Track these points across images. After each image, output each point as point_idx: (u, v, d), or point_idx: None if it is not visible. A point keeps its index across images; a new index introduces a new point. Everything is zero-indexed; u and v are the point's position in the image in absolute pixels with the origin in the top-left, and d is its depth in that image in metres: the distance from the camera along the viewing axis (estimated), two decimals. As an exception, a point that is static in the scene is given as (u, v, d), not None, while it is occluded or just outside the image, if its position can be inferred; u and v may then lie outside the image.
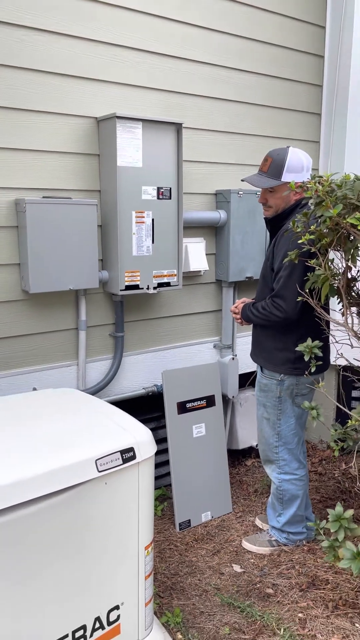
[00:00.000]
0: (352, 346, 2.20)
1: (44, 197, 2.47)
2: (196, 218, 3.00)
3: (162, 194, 2.73)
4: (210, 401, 3.04)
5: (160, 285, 2.81)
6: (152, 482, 1.75)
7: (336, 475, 3.38)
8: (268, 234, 3.10)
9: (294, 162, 2.31)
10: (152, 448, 1.73)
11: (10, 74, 2.36)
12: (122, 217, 2.61)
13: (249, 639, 2.10)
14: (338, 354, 2.27)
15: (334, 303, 2.48)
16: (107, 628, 1.68)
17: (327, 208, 1.82)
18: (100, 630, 1.66)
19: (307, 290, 2.20)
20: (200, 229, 3.10)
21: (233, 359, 3.27)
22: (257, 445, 3.50)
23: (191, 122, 2.95)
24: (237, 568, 2.54)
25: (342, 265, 2.12)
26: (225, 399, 3.31)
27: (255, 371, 3.33)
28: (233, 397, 3.32)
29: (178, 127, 2.72)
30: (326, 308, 2.38)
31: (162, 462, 3.10)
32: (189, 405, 2.95)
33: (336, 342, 2.24)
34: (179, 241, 2.83)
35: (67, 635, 1.58)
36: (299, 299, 2.23)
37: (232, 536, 2.79)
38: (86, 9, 2.51)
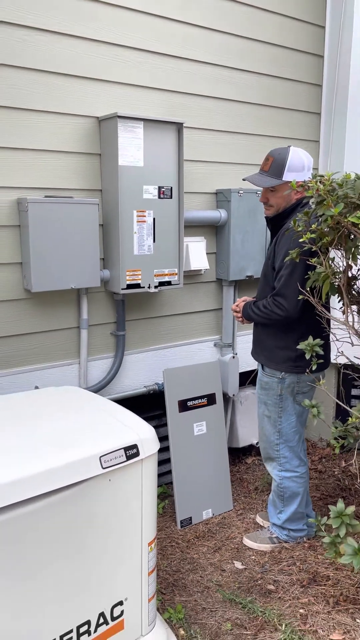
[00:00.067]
0: (352, 344, 2.22)
1: (45, 197, 2.48)
2: (197, 217, 3.02)
3: (163, 193, 2.75)
4: (211, 399, 3.06)
5: (161, 284, 2.82)
6: (155, 478, 1.77)
7: (336, 473, 3.40)
8: (268, 233, 3.12)
9: (295, 161, 2.33)
10: (155, 445, 1.74)
11: (13, 73, 2.37)
12: (124, 217, 2.62)
13: (251, 634, 2.11)
14: (339, 352, 2.28)
15: (335, 301, 2.49)
16: (111, 623, 1.70)
17: (328, 207, 1.83)
18: (105, 625, 1.68)
19: (308, 289, 2.21)
20: (201, 228, 3.11)
21: (233, 357, 3.28)
22: (257, 444, 3.52)
23: (192, 121, 2.96)
24: (238, 565, 2.56)
25: (343, 264, 2.14)
26: (226, 398, 3.32)
27: (255, 370, 3.35)
28: (233, 395, 3.34)
29: (179, 127, 2.73)
30: (327, 306, 2.39)
31: (163, 460, 3.11)
32: (190, 403, 2.97)
33: (337, 340, 2.25)
34: (180, 240, 2.84)
35: (71, 631, 1.60)
36: (300, 297, 2.24)
37: (233, 533, 2.81)
38: (88, 9, 2.52)
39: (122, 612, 1.72)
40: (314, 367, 2.21)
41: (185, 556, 2.62)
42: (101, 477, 1.59)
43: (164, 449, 2.91)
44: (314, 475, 3.38)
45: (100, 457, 1.58)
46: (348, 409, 2.09)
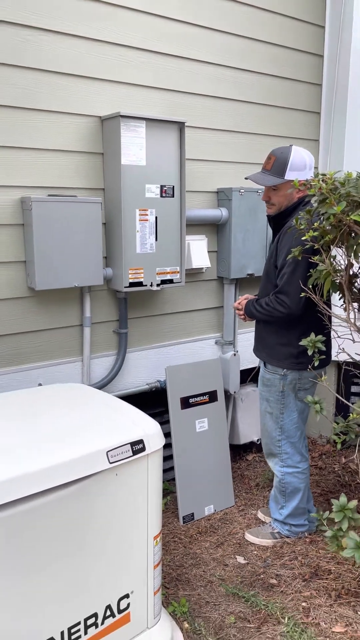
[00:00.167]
0: (354, 341, 2.25)
1: (49, 196, 2.50)
2: (198, 216, 3.04)
3: (165, 192, 2.77)
4: (212, 396, 3.08)
5: (163, 282, 2.85)
6: (160, 474, 1.79)
7: (336, 469, 3.43)
8: (269, 231, 3.16)
9: (297, 160, 2.35)
10: (161, 440, 1.77)
11: (16, 73, 2.38)
12: (126, 215, 2.65)
13: (254, 627, 2.14)
14: (340, 349, 2.31)
15: (335, 299, 2.52)
16: (118, 616, 1.72)
17: (331, 205, 1.86)
18: (111, 618, 1.70)
19: (310, 286, 2.24)
20: (202, 226, 3.14)
21: (234, 355, 3.31)
22: (258, 440, 3.55)
23: (193, 121, 2.98)
24: (240, 559, 2.58)
25: (344, 262, 2.17)
26: (227, 395, 3.35)
27: (256, 367, 3.38)
28: (234, 392, 3.36)
29: (181, 126, 2.75)
30: (328, 304, 2.42)
31: (165, 457, 3.11)
32: (192, 400, 2.99)
33: (338, 337, 2.28)
34: (182, 239, 2.86)
35: (79, 623, 1.62)
36: (302, 294, 2.27)
37: (235, 529, 2.84)
38: (90, 9, 2.54)
39: (128, 605, 1.75)
40: (316, 364, 2.23)
41: (188, 551, 2.64)
42: (108, 472, 1.61)
43: (166, 446, 2.91)
44: (314, 471, 3.41)
45: (107, 452, 1.61)
46: (350, 405, 2.12)
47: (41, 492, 1.46)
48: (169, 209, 2.79)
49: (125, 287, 2.71)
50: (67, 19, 2.47)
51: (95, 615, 1.66)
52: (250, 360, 3.44)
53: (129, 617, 1.76)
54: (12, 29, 2.34)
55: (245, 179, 2.52)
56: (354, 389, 3.71)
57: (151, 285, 2.80)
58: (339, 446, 2.15)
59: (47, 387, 2.13)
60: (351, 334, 2.24)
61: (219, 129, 3.12)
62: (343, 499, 1.94)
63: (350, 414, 2.13)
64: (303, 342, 2.19)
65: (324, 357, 2.35)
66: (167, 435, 2.98)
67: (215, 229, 3.21)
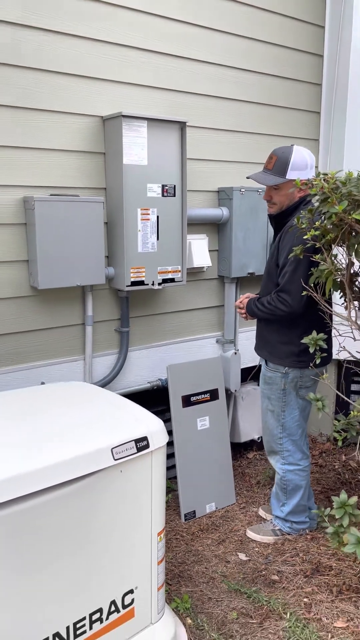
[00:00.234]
0: (354, 339, 2.26)
1: (51, 195, 2.51)
2: (199, 215, 3.06)
3: (167, 191, 2.79)
4: (213, 395, 3.10)
5: (164, 281, 2.86)
6: (164, 470, 1.81)
7: (336, 467, 3.45)
8: (270, 230, 3.17)
9: (298, 160, 2.37)
10: (164, 438, 1.79)
11: (17, 73, 2.40)
12: (128, 215, 2.66)
13: (257, 623, 2.16)
14: (340, 347, 2.33)
15: (336, 297, 2.54)
16: (122, 611, 1.74)
17: (332, 204, 1.88)
18: (116, 613, 1.72)
19: (312, 285, 2.26)
20: (203, 225, 3.16)
21: (235, 353, 3.33)
22: (258, 438, 3.57)
23: (194, 120, 3.00)
24: (242, 556, 2.60)
25: (345, 261, 2.19)
26: (228, 393, 3.36)
27: (256, 365, 3.40)
28: (235, 391, 3.38)
29: (182, 126, 2.77)
30: (329, 302, 2.44)
31: (166, 455, 3.15)
32: (193, 398, 3.01)
33: (339, 334, 2.30)
34: (183, 238, 2.88)
35: (84, 618, 1.64)
36: (304, 293, 2.29)
37: (237, 526, 2.86)
38: (90, 9, 2.55)
39: (132, 600, 1.77)
40: (317, 361, 2.25)
41: (190, 548, 2.66)
42: (113, 469, 1.63)
43: (167, 444, 2.94)
44: (315, 469, 3.43)
45: (112, 449, 1.62)
46: (352, 402, 2.14)
47: (48, 489, 1.47)
48: (170, 208, 2.81)
49: (127, 286, 2.73)
50: (67, 19, 2.49)
51: (100, 610, 1.68)
52: (250, 358, 3.45)
53: (133, 613, 1.78)
54: (13, 29, 2.36)
55: (247, 178, 2.53)
56: (353, 387, 3.73)
57: (152, 284, 2.81)
58: (340, 443, 2.17)
59: (51, 385, 2.14)
60: (352, 332, 2.26)
61: (220, 129, 3.14)
62: (343, 495, 1.96)
63: (351, 412, 2.15)
64: (305, 340, 2.20)
65: (325, 355, 2.37)
66: (168, 433, 2.99)
67: (216, 228, 3.23)
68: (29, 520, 1.45)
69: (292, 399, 2.55)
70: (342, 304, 2.32)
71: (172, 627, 1.92)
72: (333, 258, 2.16)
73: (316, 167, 3.63)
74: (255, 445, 3.67)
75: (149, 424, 1.77)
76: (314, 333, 2.20)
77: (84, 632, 1.64)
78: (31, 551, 1.47)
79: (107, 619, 1.70)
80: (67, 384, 2.14)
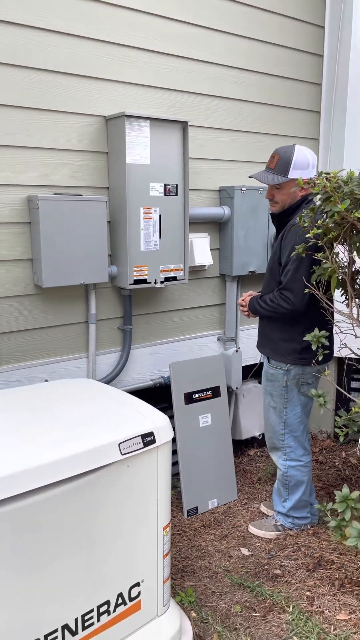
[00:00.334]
0: (356, 336, 2.29)
1: (55, 194, 2.54)
2: (201, 214, 3.08)
3: (169, 190, 2.81)
4: (215, 392, 3.13)
5: (167, 279, 2.89)
6: (169, 465, 1.84)
7: (337, 463, 3.48)
8: (271, 229, 3.20)
9: (300, 159, 2.40)
10: (170, 433, 1.81)
11: (21, 73, 2.42)
12: (131, 214, 2.69)
13: (260, 616, 2.19)
14: (342, 344, 2.36)
15: (337, 295, 2.57)
16: (129, 604, 1.77)
17: (335, 203, 1.91)
18: (123, 605, 1.75)
19: (314, 283, 2.29)
20: (205, 224, 3.18)
21: (237, 351, 3.36)
22: (259, 435, 3.60)
23: (196, 120, 3.02)
24: (244, 551, 2.63)
25: (347, 259, 2.21)
26: (229, 390, 3.39)
27: (257, 363, 3.43)
28: (236, 388, 3.41)
29: (184, 126, 2.79)
30: (331, 300, 2.47)
31: (169, 452, 3.18)
32: (195, 396, 3.04)
33: (341, 332, 2.33)
34: (185, 236, 2.91)
35: (92, 610, 1.66)
36: (306, 291, 2.32)
37: (239, 522, 2.89)
38: (91, 9, 2.57)
39: (139, 593, 1.79)
40: (320, 358, 2.28)
41: (193, 544, 2.69)
42: (120, 463, 1.65)
43: (170, 441, 2.98)
44: (315, 466, 3.46)
45: (119, 444, 1.65)
46: (354, 399, 2.17)
47: (56, 483, 1.50)
48: (172, 207, 2.83)
49: (130, 284, 2.75)
50: (68, 19, 2.50)
51: (107, 602, 1.70)
52: (251, 356, 3.49)
53: (139, 605, 1.80)
54: (15, 30, 2.38)
55: (250, 177, 2.56)
56: (353, 384, 3.76)
57: (155, 283, 2.84)
58: (341, 439, 2.20)
59: (57, 382, 2.17)
60: (353, 329, 2.29)
61: (221, 128, 3.17)
62: (346, 489, 1.99)
63: (352, 408, 2.18)
64: (307, 338, 2.23)
65: (327, 352, 2.40)
66: (171, 430, 3.03)
67: (218, 226, 3.25)
68: (37, 515, 1.48)
69: (294, 396, 2.58)
70: (344, 301, 2.35)
71: (177, 619, 1.94)
72: (335, 256, 2.18)
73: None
74: (256, 442, 3.70)
75: (154, 419, 1.79)
76: (316, 330, 2.23)
77: (92, 624, 1.67)
78: (39, 545, 1.50)
79: (114, 611, 1.73)
80: (72, 380, 2.17)
